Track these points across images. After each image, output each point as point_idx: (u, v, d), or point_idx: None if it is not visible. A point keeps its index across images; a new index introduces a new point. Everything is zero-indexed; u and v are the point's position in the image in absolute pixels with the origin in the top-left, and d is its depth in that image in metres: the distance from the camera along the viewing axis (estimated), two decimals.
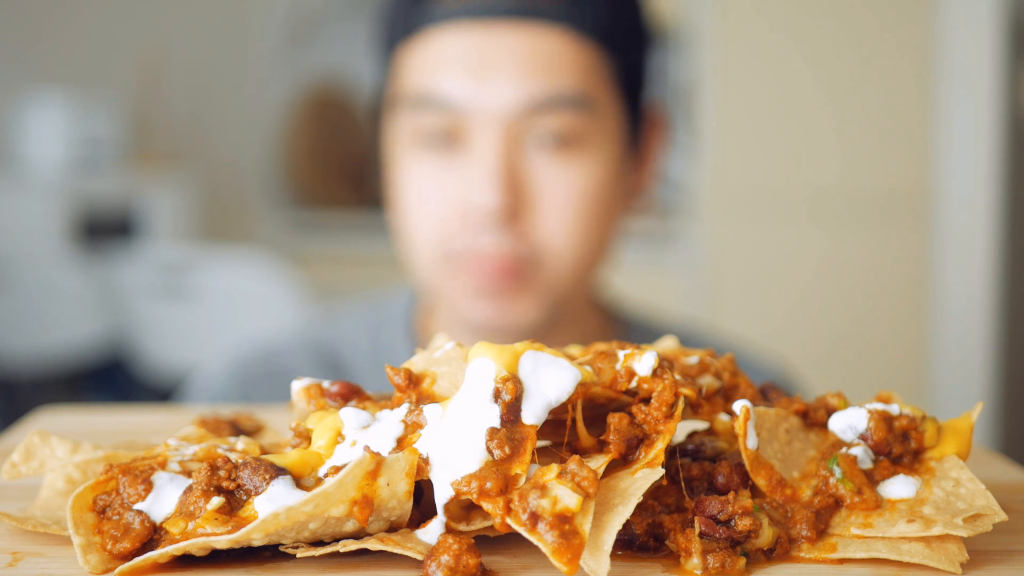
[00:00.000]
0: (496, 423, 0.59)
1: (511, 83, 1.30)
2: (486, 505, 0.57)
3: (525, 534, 0.56)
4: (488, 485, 0.57)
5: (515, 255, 1.33)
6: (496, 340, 1.37)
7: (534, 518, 0.56)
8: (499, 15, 1.31)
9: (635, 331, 1.57)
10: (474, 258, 1.33)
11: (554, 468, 0.58)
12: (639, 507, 0.61)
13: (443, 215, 1.34)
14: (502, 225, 1.31)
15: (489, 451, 0.59)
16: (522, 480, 0.58)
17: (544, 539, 0.55)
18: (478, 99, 1.31)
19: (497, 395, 0.60)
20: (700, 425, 0.74)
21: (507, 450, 0.58)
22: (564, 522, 0.55)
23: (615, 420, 0.62)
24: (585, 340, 1.45)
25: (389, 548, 0.58)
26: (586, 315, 1.50)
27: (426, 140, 1.35)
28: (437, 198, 1.34)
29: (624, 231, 1.48)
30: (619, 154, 1.41)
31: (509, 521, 0.56)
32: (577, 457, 0.58)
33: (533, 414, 0.60)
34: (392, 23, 1.40)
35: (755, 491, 0.64)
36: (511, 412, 0.60)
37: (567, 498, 0.56)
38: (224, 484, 0.60)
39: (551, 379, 0.61)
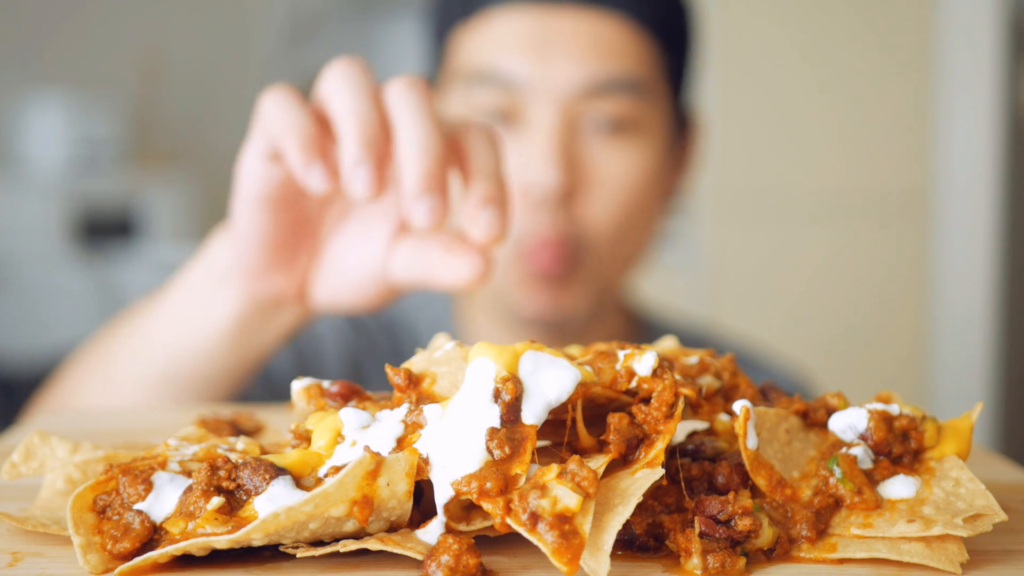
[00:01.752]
0: (496, 423, 0.59)
1: (572, 64, 1.32)
2: (486, 505, 0.57)
3: (525, 534, 0.56)
4: (488, 485, 0.57)
5: (569, 238, 1.34)
6: (541, 335, 1.38)
7: (534, 518, 0.56)
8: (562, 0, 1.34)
9: (655, 333, 1.57)
10: (534, 244, 1.34)
11: (554, 468, 0.58)
12: (639, 507, 0.61)
13: None
14: (558, 204, 1.32)
15: (489, 451, 0.59)
16: (522, 480, 0.58)
17: (544, 539, 0.55)
18: (539, 78, 1.32)
19: (497, 395, 0.60)
20: (700, 425, 0.74)
21: (507, 450, 0.58)
22: (564, 522, 0.55)
23: (615, 420, 0.62)
24: (606, 332, 1.46)
25: (389, 548, 0.58)
26: (613, 319, 1.51)
27: (483, 117, 1.35)
28: None
29: (659, 233, 1.49)
30: (665, 148, 1.43)
31: (509, 521, 0.56)
32: (577, 457, 0.58)
33: (533, 414, 0.60)
34: (449, 4, 1.42)
35: (755, 491, 0.64)
36: (511, 412, 0.60)
37: (567, 498, 0.56)
38: (224, 484, 0.60)
39: (551, 379, 0.61)
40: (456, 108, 1.38)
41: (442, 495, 0.59)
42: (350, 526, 0.59)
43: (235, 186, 0.99)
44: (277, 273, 1.02)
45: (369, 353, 1.50)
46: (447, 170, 0.90)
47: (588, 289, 1.39)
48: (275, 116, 0.91)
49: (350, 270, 1.02)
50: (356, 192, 0.88)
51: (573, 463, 0.58)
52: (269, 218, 0.98)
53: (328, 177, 0.89)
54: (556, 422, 0.64)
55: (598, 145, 1.35)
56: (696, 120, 1.55)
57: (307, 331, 1.49)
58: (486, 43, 1.36)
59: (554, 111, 1.33)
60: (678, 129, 1.48)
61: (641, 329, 1.58)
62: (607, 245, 1.37)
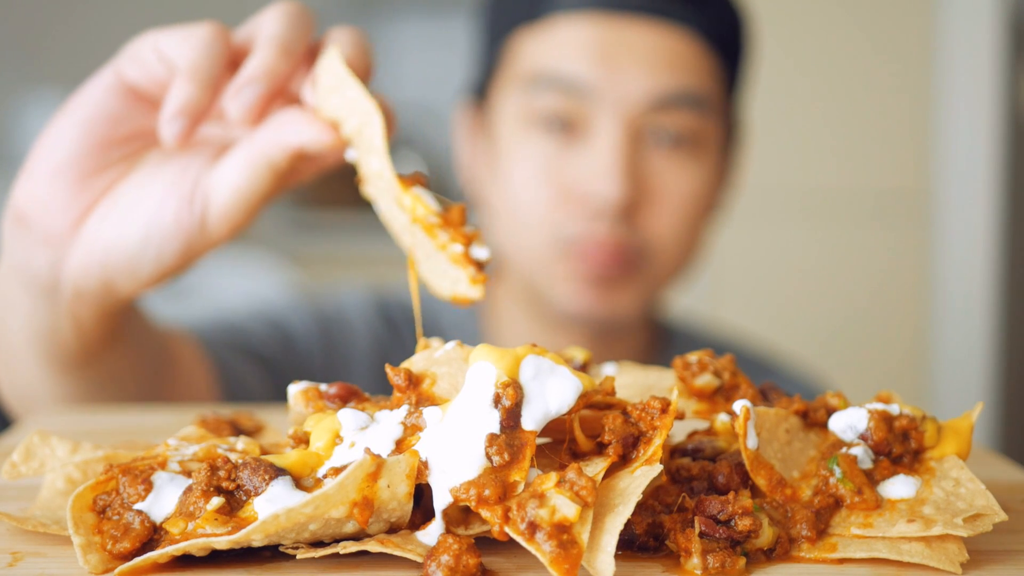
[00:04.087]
0: (496, 429, 0.59)
1: (640, 75, 1.32)
2: (484, 513, 0.57)
3: (523, 543, 0.56)
4: (487, 492, 0.57)
5: (628, 244, 1.34)
6: (578, 335, 1.38)
7: (532, 527, 0.56)
8: (629, 10, 1.33)
9: (679, 340, 1.57)
10: (588, 244, 1.33)
11: (553, 476, 0.58)
12: (639, 507, 0.61)
13: (558, 200, 1.34)
14: (620, 216, 1.32)
15: (488, 457, 0.58)
16: (520, 487, 0.58)
17: (542, 549, 0.55)
18: (605, 87, 1.32)
19: (497, 400, 0.60)
20: (700, 425, 0.74)
21: (506, 456, 0.58)
22: (562, 532, 0.55)
23: (609, 420, 0.62)
24: (634, 352, 1.46)
25: (389, 550, 0.58)
26: (640, 328, 1.51)
27: (542, 122, 1.35)
28: (553, 182, 1.35)
29: (706, 244, 1.49)
30: (719, 160, 1.43)
31: (507, 530, 0.56)
32: (576, 466, 0.58)
33: (533, 420, 0.60)
34: (511, 6, 1.41)
35: (755, 491, 0.64)
36: (511, 418, 0.60)
37: (565, 508, 0.56)
38: (224, 484, 0.60)
39: (553, 389, 0.61)
40: (514, 111, 1.38)
41: (441, 501, 0.59)
42: (350, 527, 0.59)
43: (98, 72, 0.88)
44: (85, 180, 0.85)
45: (397, 346, 1.50)
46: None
47: (641, 295, 1.38)
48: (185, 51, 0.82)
49: (151, 194, 0.85)
50: (231, 111, 0.81)
51: (572, 471, 0.58)
52: (112, 104, 0.85)
53: (185, 137, 0.81)
54: (556, 419, 0.64)
55: (660, 159, 1.34)
56: (742, 130, 1.54)
57: (336, 321, 1.50)
58: (552, 48, 1.35)
59: (619, 123, 1.31)
60: (727, 139, 1.48)
61: (666, 338, 1.57)
62: (669, 255, 1.37)
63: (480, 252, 0.75)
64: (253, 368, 1.33)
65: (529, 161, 1.36)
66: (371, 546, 0.58)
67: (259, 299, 1.61)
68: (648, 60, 1.32)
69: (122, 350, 0.99)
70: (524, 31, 1.38)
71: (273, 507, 0.57)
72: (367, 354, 1.48)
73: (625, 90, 1.31)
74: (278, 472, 0.60)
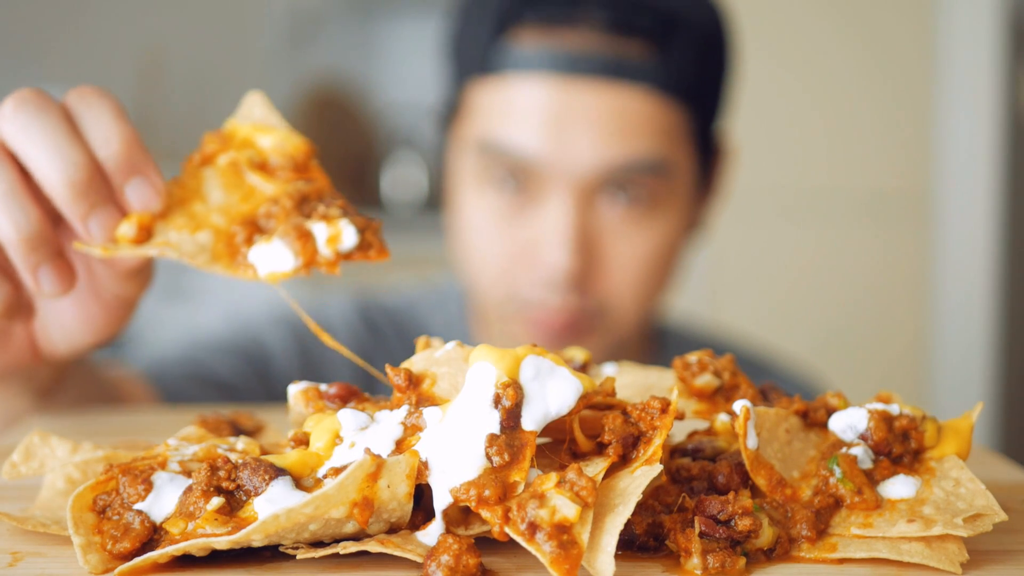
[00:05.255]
0: (496, 429, 0.59)
1: (591, 144, 1.27)
2: (484, 514, 0.57)
3: (523, 543, 0.56)
4: (487, 493, 0.57)
5: (581, 310, 1.31)
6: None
7: (532, 528, 0.56)
8: (582, 72, 1.27)
9: (676, 342, 1.56)
10: (540, 312, 1.31)
11: (553, 477, 0.58)
12: (639, 507, 0.61)
13: (509, 262, 1.32)
14: (571, 286, 1.29)
15: (488, 458, 0.58)
16: (520, 487, 0.58)
17: (542, 549, 0.55)
18: (555, 157, 1.27)
19: (497, 401, 0.60)
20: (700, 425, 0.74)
21: (506, 457, 0.58)
22: (562, 532, 0.55)
23: (609, 420, 0.62)
24: (623, 351, 1.46)
25: (389, 550, 0.58)
26: (635, 333, 1.50)
27: (494, 182, 1.32)
28: (504, 244, 1.32)
29: (686, 258, 1.46)
30: (690, 203, 1.38)
31: (507, 530, 0.56)
32: (576, 466, 0.58)
33: (533, 420, 0.60)
34: (469, 54, 1.36)
35: (755, 491, 0.64)
36: (511, 418, 0.60)
37: (565, 508, 0.56)
38: (224, 484, 0.60)
39: (553, 389, 0.61)
40: (469, 166, 1.35)
41: (441, 501, 0.59)
42: (350, 527, 0.59)
43: None
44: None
45: (380, 352, 1.49)
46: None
47: (604, 340, 1.36)
48: None
49: (73, 301, 0.90)
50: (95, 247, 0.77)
51: (572, 472, 0.58)
52: None
53: (67, 281, 0.81)
54: (555, 419, 0.64)
55: (615, 221, 1.30)
56: (725, 146, 1.49)
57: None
58: (502, 110, 1.30)
59: (569, 194, 1.27)
60: (706, 158, 1.42)
61: (663, 341, 1.56)
62: (628, 311, 1.35)
63: (347, 240, 0.77)
64: (218, 399, 1.34)
65: (483, 216, 1.34)
66: (371, 546, 0.58)
67: (238, 318, 1.62)
68: (600, 128, 1.27)
69: (73, 383, 1.04)
70: (479, 83, 1.34)
71: (273, 507, 0.57)
72: (350, 361, 1.48)
73: (575, 162, 1.27)
74: (278, 472, 0.60)
